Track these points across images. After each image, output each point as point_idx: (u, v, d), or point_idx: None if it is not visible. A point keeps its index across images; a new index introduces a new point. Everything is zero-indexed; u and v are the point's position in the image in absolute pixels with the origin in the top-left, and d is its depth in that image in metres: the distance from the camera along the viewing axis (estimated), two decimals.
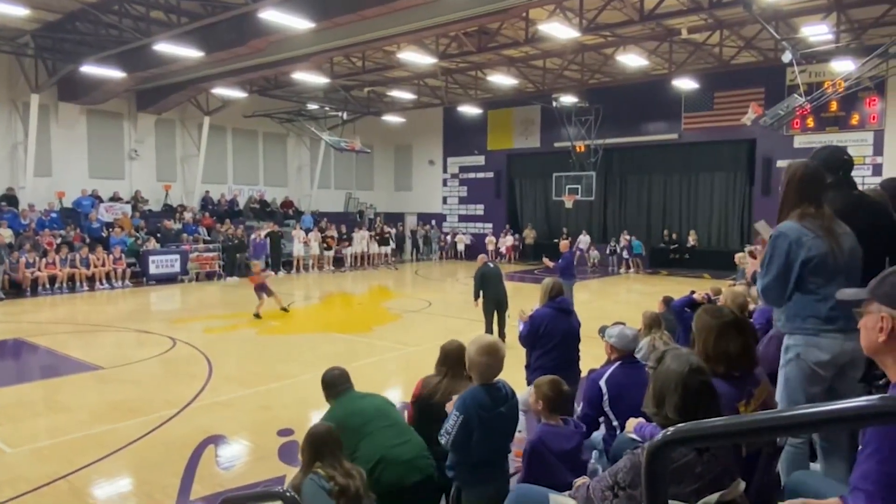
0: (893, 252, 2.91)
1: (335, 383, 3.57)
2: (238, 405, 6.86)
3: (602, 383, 3.44)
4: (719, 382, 2.27)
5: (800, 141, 18.41)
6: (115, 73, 15.31)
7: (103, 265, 15.93)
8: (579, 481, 2.40)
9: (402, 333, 10.66)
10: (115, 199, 18.89)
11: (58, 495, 4.57)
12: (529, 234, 23.95)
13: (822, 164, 3.02)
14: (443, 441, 2.85)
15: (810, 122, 17.93)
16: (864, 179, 16.52)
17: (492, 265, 9.49)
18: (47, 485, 4.70)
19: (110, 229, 17.49)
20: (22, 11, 11.78)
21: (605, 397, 3.39)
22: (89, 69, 15.14)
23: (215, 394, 7.08)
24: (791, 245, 2.69)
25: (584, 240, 21.46)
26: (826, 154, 3.17)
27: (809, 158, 3.05)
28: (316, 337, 10.07)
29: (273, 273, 16.52)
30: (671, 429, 1.07)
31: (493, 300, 9.13)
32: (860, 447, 1.55)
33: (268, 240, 18.66)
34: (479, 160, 25.37)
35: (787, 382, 2.68)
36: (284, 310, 11.87)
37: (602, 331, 3.94)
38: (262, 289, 11.60)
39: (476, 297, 9.22)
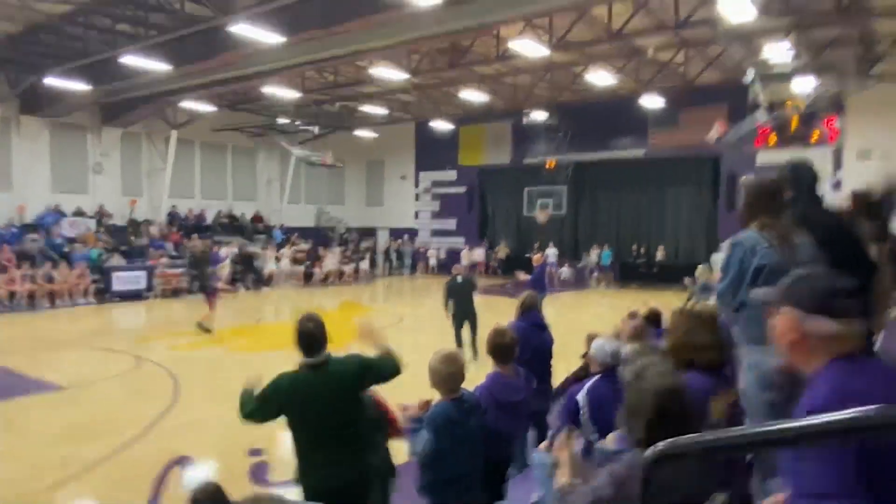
0: (851, 264, 2.98)
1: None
2: (205, 425, 6.67)
3: (579, 397, 3.42)
4: (692, 375, 2.28)
5: (763, 158, 18.87)
6: (79, 86, 14.99)
7: (65, 281, 15.46)
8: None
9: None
10: (78, 213, 18.40)
11: None
12: (502, 249, 24.04)
13: (789, 177, 3.12)
14: (414, 460, 2.80)
15: (772, 140, 18.40)
16: (825, 196, 16.98)
17: (459, 279, 9.49)
18: None
19: (73, 244, 16.99)
20: None
21: (583, 411, 3.37)
22: (53, 81, 14.79)
23: (181, 414, 6.88)
24: (745, 253, 2.82)
25: (551, 253, 21.54)
26: (791, 167, 3.27)
27: (778, 171, 3.15)
28: (286, 354, 9.87)
29: (238, 289, 16.24)
30: (665, 442, 1.05)
31: (460, 313, 9.14)
32: None
33: (229, 256, 18.06)
34: (451, 175, 25.45)
35: (744, 393, 2.71)
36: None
37: (590, 339, 3.97)
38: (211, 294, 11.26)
39: (445, 307, 9.26)
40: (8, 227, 16.53)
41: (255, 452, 5.59)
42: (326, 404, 3.05)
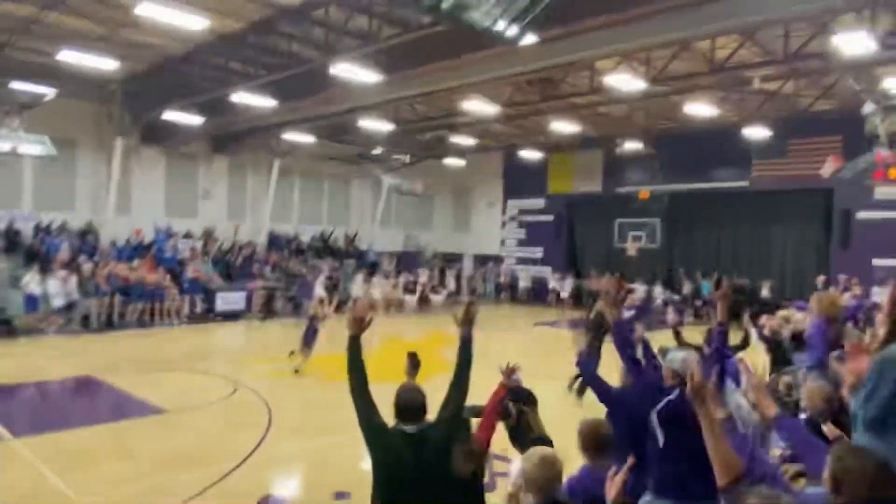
0: None
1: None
2: (296, 461, 6.86)
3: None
4: None
5: (881, 192, 17.43)
6: (194, 120, 16.13)
7: (173, 300, 16.47)
8: None
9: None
10: (187, 236, 19.70)
11: None
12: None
13: None
14: None
15: (893, 174, 16.95)
16: None
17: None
18: None
19: (183, 266, 18.09)
20: (113, 64, 12.59)
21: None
22: (170, 115, 16.01)
23: (274, 447, 7.09)
24: None
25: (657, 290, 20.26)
26: None
27: None
28: (377, 385, 10.01)
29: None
30: None
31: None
32: None
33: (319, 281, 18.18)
34: (539, 203, 25.21)
35: None
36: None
37: (664, 353, 3.85)
38: (309, 336, 11.12)
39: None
40: (126, 247, 17.92)
41: (341, 496, 5.65)
42: (415, 473, 3.04)
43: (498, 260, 26.27)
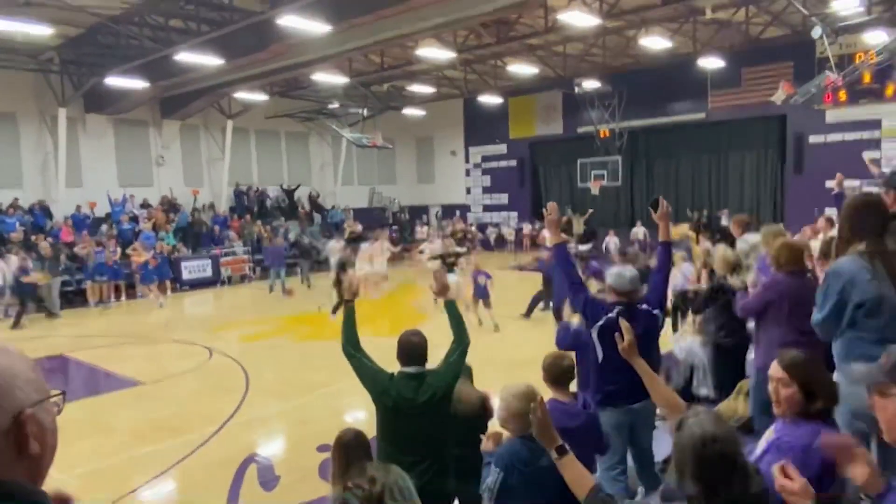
0: None
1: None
2: (276, 420, 6.96)
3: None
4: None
5: (832, 115, 17.83)
6: (138, 84, 15.50)
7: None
8: None
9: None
10: (145, 205, 19.20)
11: None
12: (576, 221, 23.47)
13: None
14: (485, 497, 2.81)
15: (843, 96, 17.25)
16: None
17: None
18: None
19: (140, 228, 17.57)
20: (47, 31, 11.96)
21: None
22: (114, 81, 15.34)
23: (253, 409, 7.17)
24: (845, 285, 2.67)
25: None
26: None
27: (884, 182, 2.99)
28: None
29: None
30: None
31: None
32: None
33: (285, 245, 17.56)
34: (502, 149, 25.16)
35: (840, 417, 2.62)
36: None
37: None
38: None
39: None
40: (84, 218, 17.39)
41: (325, 448, 5.77)
42: (419, 412, 3.25)
43: (465, 209, 26.30)
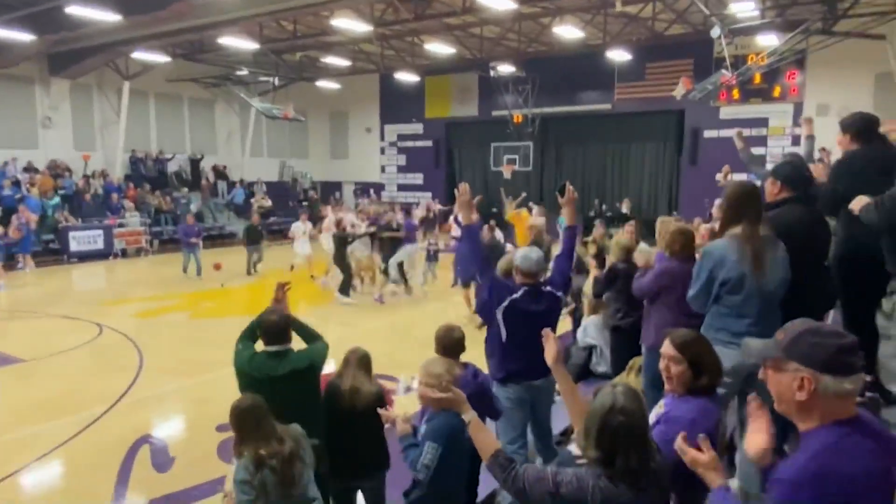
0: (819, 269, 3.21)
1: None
2: (173, 399, 6.67)
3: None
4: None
5: (725, 112, 19.08)
6: (23, 36, 14.10)
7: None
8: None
9: (342, 314, 10.52)
10: (29, 169, 17.65)
11: None
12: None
13: (783, 180, 3.24)
14: (421, 476, 2.82)
15: (735, 94, 18.57)
16: (784, 149, 17.39)
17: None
18: None
19: (26, 193, 16.14)
20: None
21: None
22: None
23: (148, 387, 6.84)
24: (714, 265, 2.97)
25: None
26: (789, 170, 3.35)
27: (771, 171, 3.24)
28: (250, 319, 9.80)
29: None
30: None
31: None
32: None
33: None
34: (418, 128, 25.05)
35: None
36: None
37: None
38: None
39: None
40: None
41: (223, 428, 5.61)
42: (282, 385, 3.27)
43: (379, 187, 26.05)
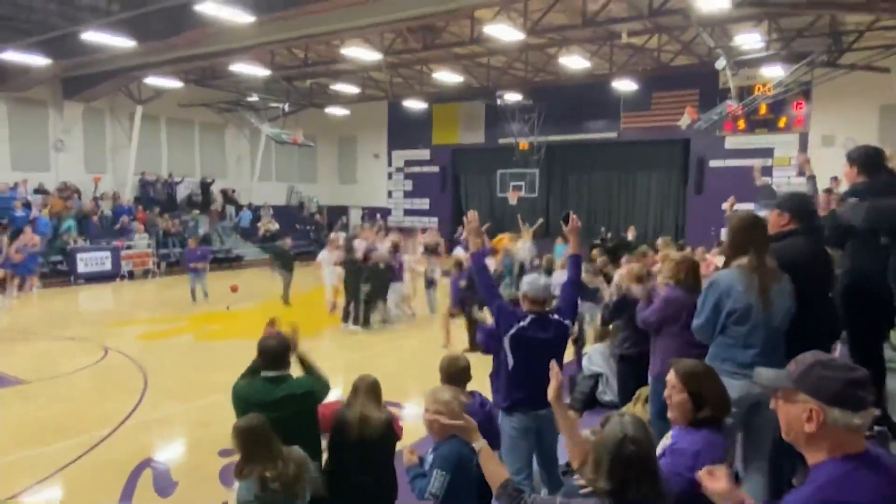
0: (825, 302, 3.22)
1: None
2: (176, 422, 6.65)
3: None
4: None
5: (731, 142, 19.18)
6: (39, 60, 14.40)
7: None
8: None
9: (342, 339, 10.52)
10: (40, 190, 17.85)
11: None
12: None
13: (790, 212, 3.26)
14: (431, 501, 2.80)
15: (741, 125, 18.65)
16: (790, 179, 17.46)
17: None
18: None
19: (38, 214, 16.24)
20: None
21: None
22: (11, 56, 14.17)
23: (152, 410, 6.82)
24: (721, 296, 2.98)
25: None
26: (795, 203, 3.37)
27: (777, 203, 3.26)
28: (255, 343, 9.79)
29: None
30: None
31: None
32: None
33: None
34: (425, 154, 25.28)
35: None
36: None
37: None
38: None
39: None
40: None
41: (226, 453, 5.58)
42: (276, 411, 3.24)
43: (385, 212, 26.19)
